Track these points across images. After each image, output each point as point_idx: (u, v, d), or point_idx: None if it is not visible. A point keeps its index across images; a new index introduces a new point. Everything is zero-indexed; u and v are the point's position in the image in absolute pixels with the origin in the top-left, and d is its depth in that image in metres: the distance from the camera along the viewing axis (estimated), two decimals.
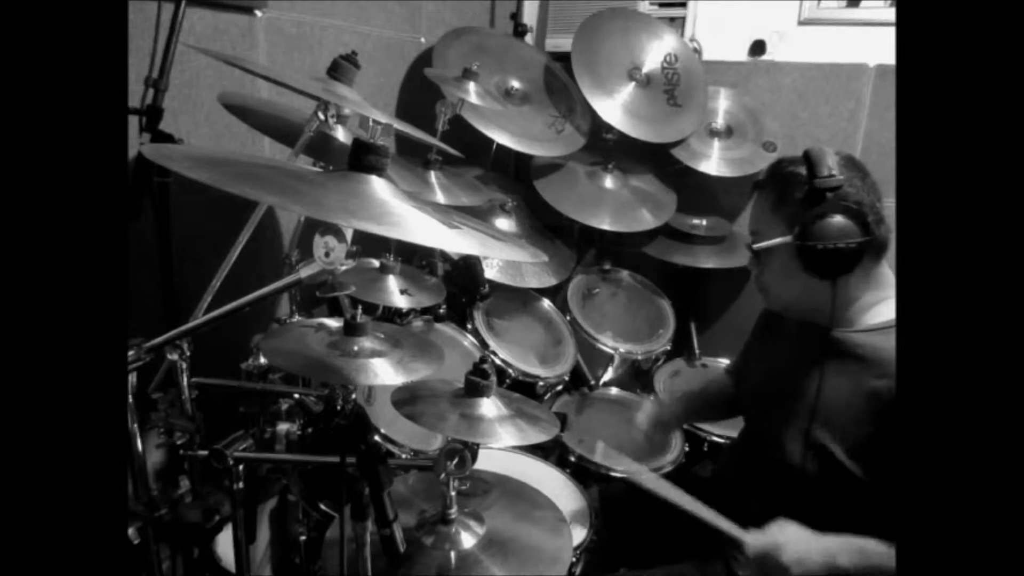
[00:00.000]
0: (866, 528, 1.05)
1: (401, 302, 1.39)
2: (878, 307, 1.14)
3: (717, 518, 1.17)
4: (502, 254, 1.03)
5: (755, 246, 1.19)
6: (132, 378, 0.89)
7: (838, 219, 1.06)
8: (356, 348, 0.85)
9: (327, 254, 0.74)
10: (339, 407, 0.89)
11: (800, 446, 1.14)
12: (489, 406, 0.96)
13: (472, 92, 1.70)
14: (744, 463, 1.34)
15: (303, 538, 1.28)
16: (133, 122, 1.22)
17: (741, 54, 2.41)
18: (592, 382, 2.07)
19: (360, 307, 0.88)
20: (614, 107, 2.14)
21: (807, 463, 1.13)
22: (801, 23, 2.32)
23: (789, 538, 1.09)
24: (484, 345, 1.81)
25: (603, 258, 2.37)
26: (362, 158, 0.74)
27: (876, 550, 1.04)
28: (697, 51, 2.40)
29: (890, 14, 2.19)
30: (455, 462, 0.93)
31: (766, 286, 1.23)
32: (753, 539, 1.12)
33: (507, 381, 1.81)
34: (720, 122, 2.34)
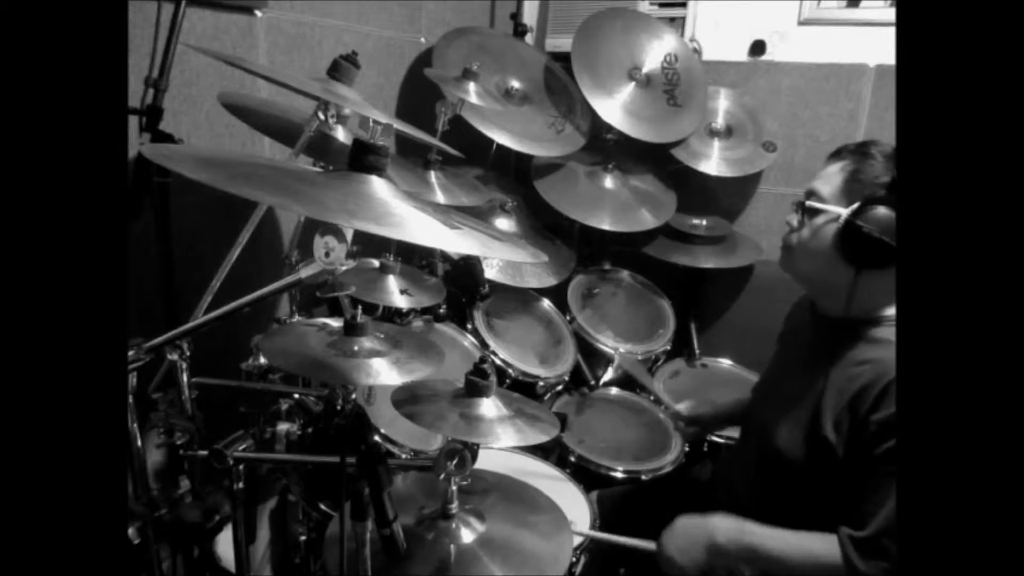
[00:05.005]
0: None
1: (401, 302, 1.39)
2: (888, 309, 1.14)
3: (629, 540, 1.25)
4: (502, 254, 1.03)
5: (808, 202, 1.16)
6: (132, 378, 0.89)
7: (891, 213, 1.05)
8: (356, 348, 0.85)
9: (327, 254, 0.74)
10: (339, 407, 0.89)
11: (798, 434, 1.15)
12: (489, 406, 0.96)
13: (472, 92, 1.70)
14: (743, 461, 1.35)
15: (303, 538, 1.28)
16: (133, 122, 1.22)
17: (741, 54, 2.41)
18: (592, 382, 2.07)
19: (360, 307, 0.88)
20: (614, 107, 2.14)
21: (803, 452, 1.14)
22: (801, 23, 2.32)
23: (675, 531, 1.19)
24: (484, 345, 1.81)
25: (603, 258, 2.37)
26: (362, 158, 0.74)
27: (753, 530, 1.11)
28: (697, 51, 2.40)
29: (890, 14, 2.19)
30: (455, 462, 0.93)
31: (792, 244, 1.20)
32: (657, 545, 1.20)
33: (507, 381, 1.81)
34: (720, 122, 2.34)
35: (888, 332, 1.11)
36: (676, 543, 1.18)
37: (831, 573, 1.03)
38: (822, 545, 1.05)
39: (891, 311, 1.13)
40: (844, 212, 1.10)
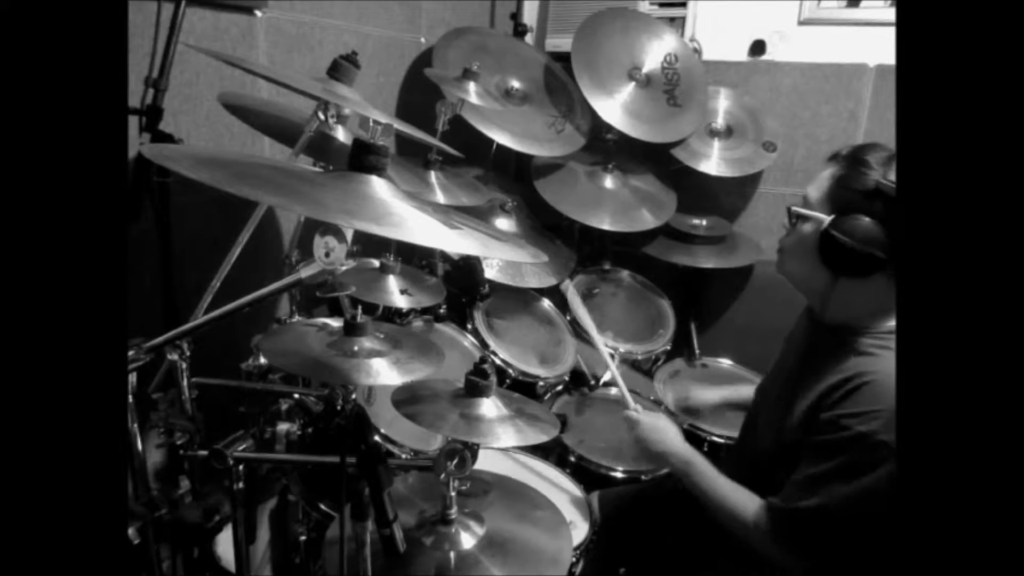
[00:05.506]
0: None
1: (401, 302, 1.39)
2: (877, 321, 1.12)
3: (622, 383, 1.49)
4: (502, 254, 1.03)
5: (793, 208, 1.17)
6: (132, 378, 0.89)
7: (869, 224, 1.04)
8: (356, 348, 0.85)
9: (327, 254, 0.74)
10: (339, 407, 0.89)
11: (778, 435, 1.16)
12: (489, 406, 0.96)
13: (472, 92, 1.70)
14: (739, 461, 1.35)
15: (303, 538, 1.28)
16: (133, 122, 1.22)
17: (741, 54, 2.41)
18: (592, 382, 2.06)
19: (360, 307, 0.88)
20: (614, 107, 2.14)
21: (780, 452, 1.15)
22: (801, 23, 2.32)
23: (655, 424, 1.37)
24: (484, 345, 1.81)
25: (603, 258, 2.37)
26: (362, 158, 0.74)
27: (700, 468, 1.24)
28: (697, 51, 2.40)
29: (890, 14, 2.19)
30: (455, 462, 0.93)
31: (784, 248, 1.22)
32: (635, 414, 1.41)
33: (507, 381, 1.80)
34: (720, 122, 2.34)
35: (873, 343, 1.10)
36: (647, 428, 1.37)
37: (743, 528, 1.14)
38: (746, 502, 1.15)
39: (880, 323, 1.11)
40: (825, 220, 1.09)
